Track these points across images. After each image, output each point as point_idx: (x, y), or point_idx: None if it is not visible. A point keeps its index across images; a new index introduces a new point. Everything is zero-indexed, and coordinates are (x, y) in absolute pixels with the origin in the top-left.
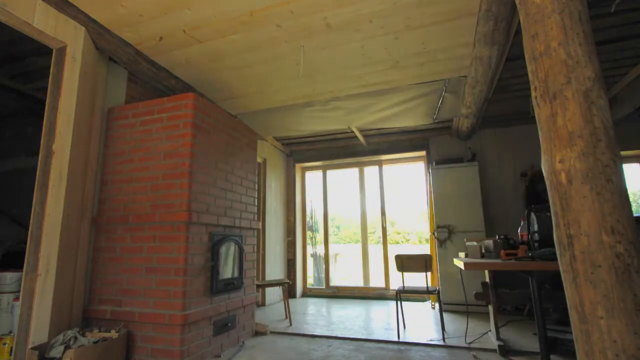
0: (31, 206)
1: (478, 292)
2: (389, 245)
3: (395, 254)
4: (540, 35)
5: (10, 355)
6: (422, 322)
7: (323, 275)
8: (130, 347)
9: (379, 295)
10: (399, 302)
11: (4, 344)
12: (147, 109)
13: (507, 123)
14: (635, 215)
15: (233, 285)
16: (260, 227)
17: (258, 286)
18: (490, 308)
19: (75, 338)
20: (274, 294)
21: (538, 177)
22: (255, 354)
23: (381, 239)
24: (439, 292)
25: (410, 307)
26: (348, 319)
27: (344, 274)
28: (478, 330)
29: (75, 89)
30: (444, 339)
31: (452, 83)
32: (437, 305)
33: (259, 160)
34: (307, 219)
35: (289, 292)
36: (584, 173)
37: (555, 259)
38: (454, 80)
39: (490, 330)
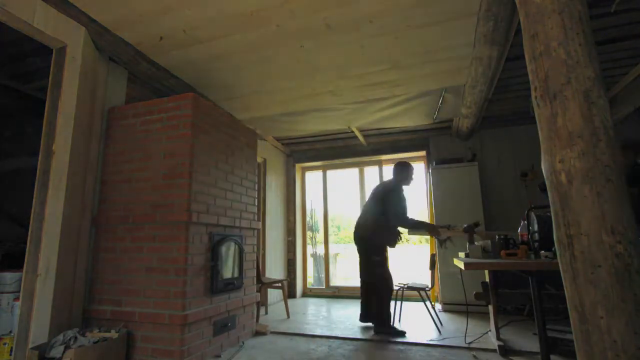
0: (31, 206)
1: (478, 292)
2: None
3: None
4: (540, 35)
5: (10, 355)
6: (422, 322)
7: (323, 275)
8: (130, 347)
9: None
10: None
11: (4, 344)
12: (147, 109)
13: (507, 123)
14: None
15: (233, 285)
16: (260, 227)
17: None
18: (490, 308)
19: (75, 338)
20: (274, 294)
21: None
22: (255, 354)
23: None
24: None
25: (410, 307)
26: (348, 319)
27: (344, 274)
28: (478, 330)
29: (75, 89)
30: (439, 332)
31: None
32: (436, 304)
33: (259, 160)
34: (307, 219)
35: (289, 292)
36: (584, 173)
37: None
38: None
39: (490, 330)
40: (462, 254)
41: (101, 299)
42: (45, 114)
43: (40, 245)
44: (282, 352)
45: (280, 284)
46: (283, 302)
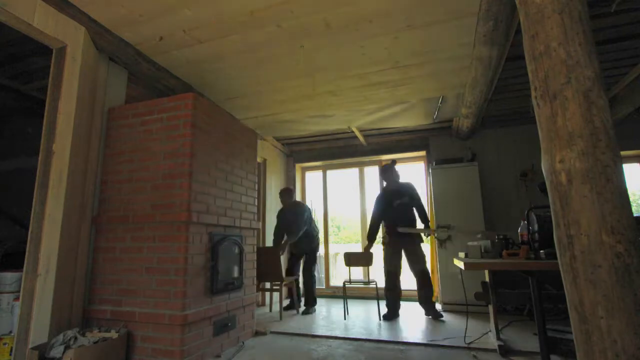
0: (31, 206)
1: (478, 292)
2: None
3: (345, 252)
4: (540, 35)
5: (10, 355)
6: (422, 322)
7: (323, 275)
8: (130, 347)
9: (379, 295)
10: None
11: (4, 344)
12: (147, 109)
13: (507, 123)
14: (635, 215)
15: (233, 285)
16: (260, 227)
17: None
18: (490, 308)
19: (75, 338)
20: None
21: None
22: (255, 354)
23: (381, 239)
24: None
25: (408, 307)
26: (348, 319)
27: (344, 274)
28: (478, 330)
29: (75, 89)
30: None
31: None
32: (436, 304)
33: (259, 160)
34: None
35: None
36: (584, 173)
37: None
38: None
39: (490, 330)
40: (462, 254)
41: (101, 299)
42: (45, 114)
43: (40, 245)
44: (282, 352)
45: (278, 284)
46: (282, 302)
